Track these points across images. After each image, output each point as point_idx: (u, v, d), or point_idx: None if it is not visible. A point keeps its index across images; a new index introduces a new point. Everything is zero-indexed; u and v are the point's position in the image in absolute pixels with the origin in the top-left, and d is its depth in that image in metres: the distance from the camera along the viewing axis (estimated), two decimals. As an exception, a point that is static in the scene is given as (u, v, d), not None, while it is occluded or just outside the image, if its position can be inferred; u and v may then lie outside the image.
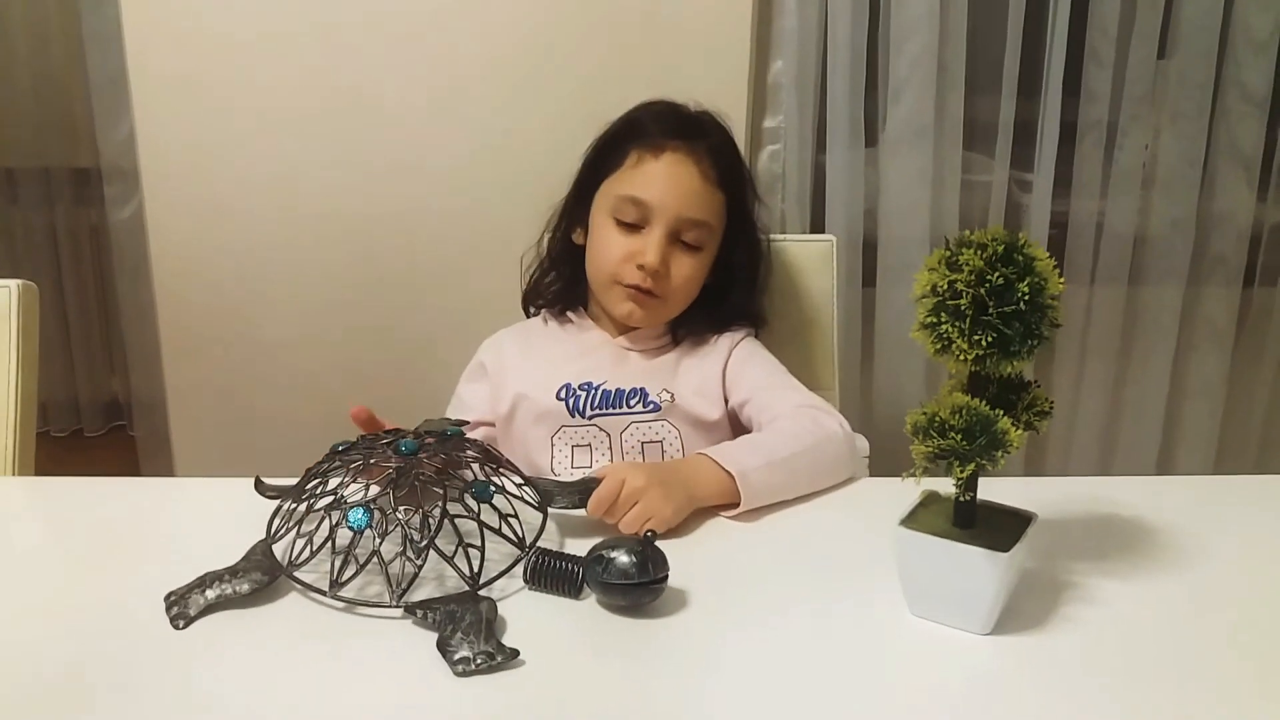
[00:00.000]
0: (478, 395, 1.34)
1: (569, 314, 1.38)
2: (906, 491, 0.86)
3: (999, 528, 0.83)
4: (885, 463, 1.27)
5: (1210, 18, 1.80)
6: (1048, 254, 0.77)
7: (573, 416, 1.25)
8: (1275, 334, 1.97)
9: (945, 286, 0.77)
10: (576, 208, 1.37)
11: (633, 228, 1.27)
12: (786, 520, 1.04)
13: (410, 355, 1.88)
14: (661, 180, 1.27)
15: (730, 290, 1.35)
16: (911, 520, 0.85)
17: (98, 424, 3.10)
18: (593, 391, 1.26)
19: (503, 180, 1.83)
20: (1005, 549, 0.80)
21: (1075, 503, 1.05)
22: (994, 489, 0.86)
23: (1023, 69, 1.82)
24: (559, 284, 1.40)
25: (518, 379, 1.30)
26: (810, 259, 1.52)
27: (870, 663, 0.80)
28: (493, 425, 1.33)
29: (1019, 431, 0.78)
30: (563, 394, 1.26)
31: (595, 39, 1.77)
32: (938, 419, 0.77)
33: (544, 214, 1.43)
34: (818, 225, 1.90)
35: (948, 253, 0.79)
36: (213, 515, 1.05)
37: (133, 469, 2.70)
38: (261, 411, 1.89)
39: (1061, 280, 0.78)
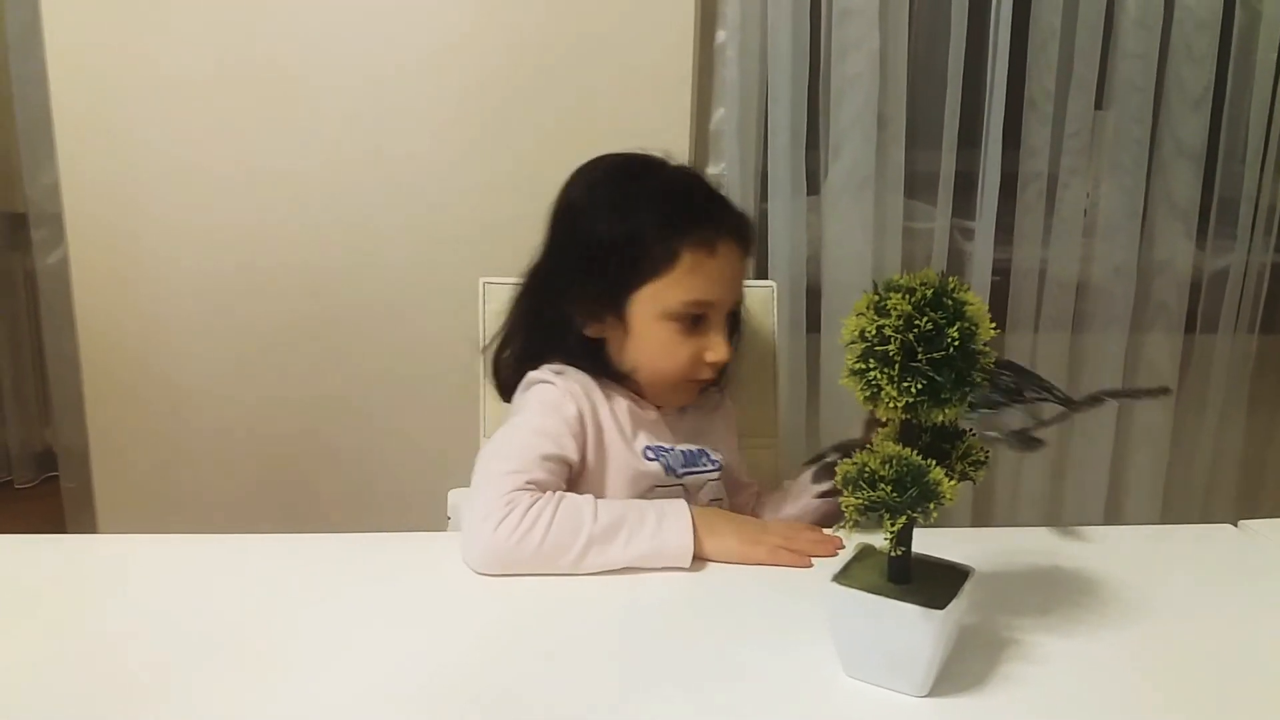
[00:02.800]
0: (566, 437, 1.17)
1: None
2: (849, 541, 0.83)
3: (936, 582, 0.80)
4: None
5: (1144, 76, 1.83)
6: (979, 299, 0.75)
7: (666, 475, 1.20)
8: (1217, 381, 1.97)
9: (873, 332, 0.75)
10: (594, 306, 1.20)
11: (692, 323, 1.19)
12: (712, 576, 1.00)
13: (339, 404, 1.83)
14: (722, 277, 1.19)
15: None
16: (844, 576, 0.81)
17: (29, 475, 2.99)
18: (672, 453, 1.21)
19: (439, 233, 1.80)
20: (941, 605, 0.76)
21: (1018, 554, 1.03)
22: (935, 541, 0.83)
23: (964, 121, 1.84)
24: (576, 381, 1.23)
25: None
26: (751, 304, 1.50)
27: (803, 727, 0.76)
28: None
29: (953, 482, 0.75)
30: (651, 454, 1.21)
31: (539, 87, 1.76)
32: (868, 469, 0.74)
33: (483, 268, 1.39)
34: (761, 272, 1.89)
35: (876, 297, 0.76)
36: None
37: (58, 522, 2.60)
38: (189, 462, 1.83)
39: (994, 326, 0.75)
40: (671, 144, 1.76)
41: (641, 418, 1.22)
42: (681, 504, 1.05)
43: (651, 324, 1.18)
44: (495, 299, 1.39)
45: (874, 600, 0.78)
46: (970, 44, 1.81)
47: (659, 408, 1.24)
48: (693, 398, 1.25)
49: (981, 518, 2.02)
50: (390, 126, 1.76)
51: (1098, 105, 1.87)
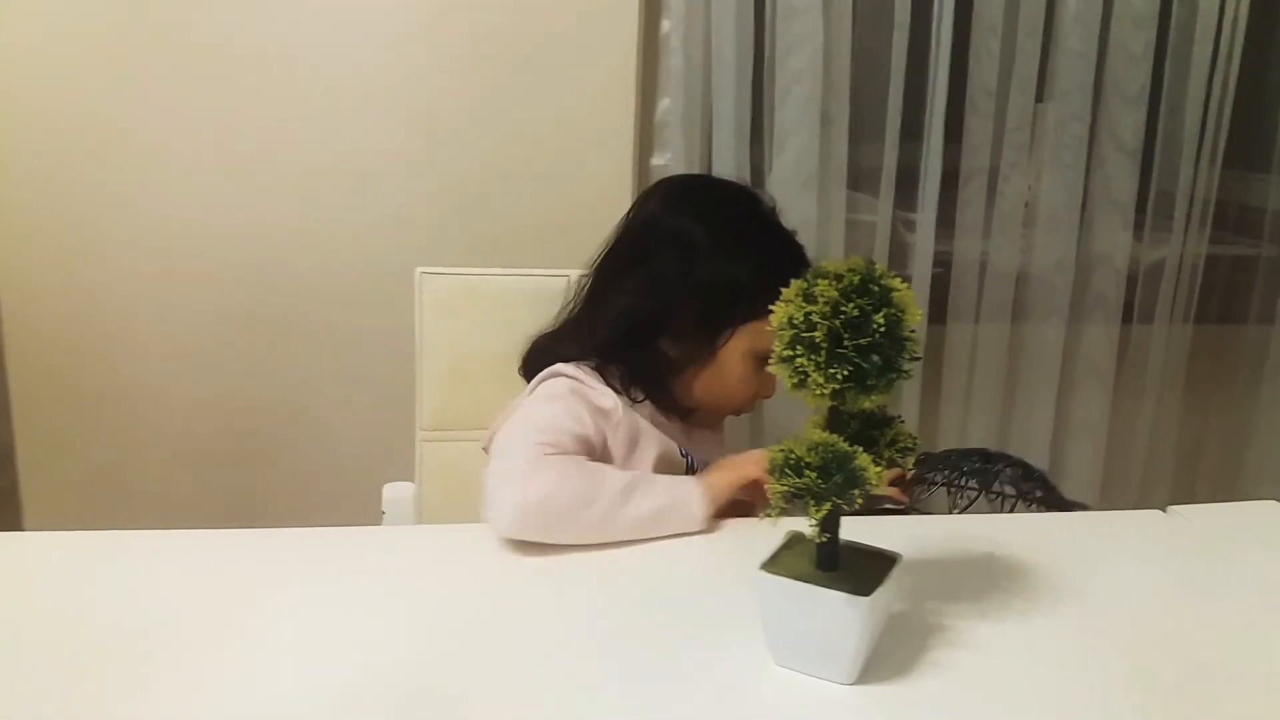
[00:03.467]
0: (589, 430, 1.17)
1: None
2: (773, 533, 0.83)
3: (864, 570, 0.80)
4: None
5: (1084, 74, 1.85)
6: (905, 284, 0.75)
7: (686, 472, 1.23)
8: (1154, 370, 2.00)
9: (801, 318, 0.74)
10: (695, 333, 1.23)
11: (764, 363, 1.18)
12: (643, 562, 0.99)
13: (274, 397, 1.80)
14: None
15: None
16: (773, 563, 0.81)
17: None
18: (690, 457, 1.25)
19: (378, 224, 1.78)
20: (867, 592, 0.76)
21: (950, 541, 1.03)
22: (868, 528, 0.83)
23: (906, 116, 1.84)
24: (640, 392, 1.25)
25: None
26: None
27: (731, 716, 0.76)
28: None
29: (879, 469, 0.75)
30: (683, 452, 1.25)
31: (481, 77, 1.74)
32: (794, 456, 0.74)
33: (421, 258, 1.38)
34: (707, 264, 1.88)
35: (805, 284, 0.76)
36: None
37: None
38: (120, 459, 1.79)
39: (920, 312, 0.75)
40: (616, 133, 1.78)
41: (665, 425, 1.26)
42: (684, 476, 1.13)
43: (738, 359, 1.23)
44: (432, 290, 1.37)
45: (801, 588, 0.77)
46: (913, 40, 1.81)
47: (678, 420, 1.28)
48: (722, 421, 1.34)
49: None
50: (331, 119, 1.73)
51: (1038, 100, 1.89)
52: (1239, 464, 2.13)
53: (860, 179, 1.90)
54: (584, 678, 0.80)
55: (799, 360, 0.74)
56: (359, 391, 1.82)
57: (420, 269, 1.36)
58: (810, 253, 1.79)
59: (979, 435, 2.00)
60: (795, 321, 0.74)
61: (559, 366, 1.22)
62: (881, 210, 1.89)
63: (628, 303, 1.24)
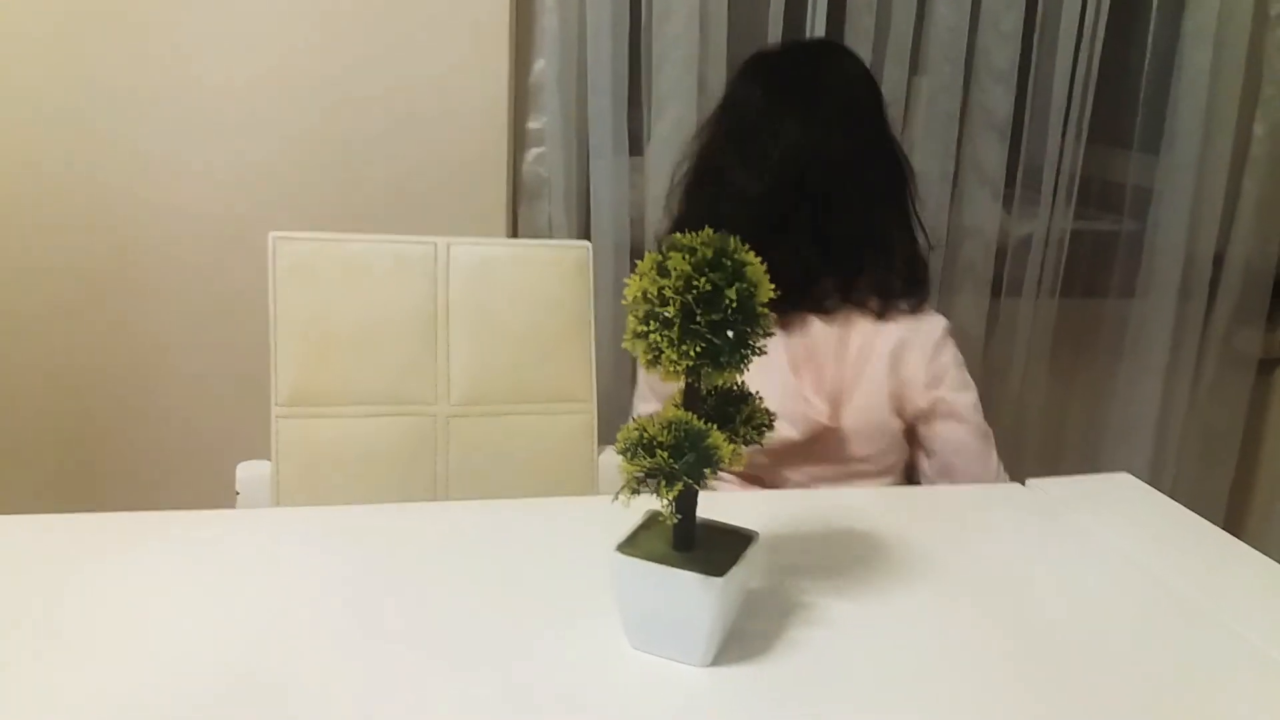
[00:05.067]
0: None
1: None
2: (637, 511, 0.80)
3: (720, 549, 0.78)
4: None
5: (955, 49, 1.87)
6: (757, 259, 0.72)
7: None
8: (1020, 343, 2.05)
9: (655, 293, 0.72)
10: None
11: None
12: (497, 544, 0.96)
13: (119, 372, 1.71)
14: None
15: None
16: (629, 545, 0.78)
17: None
18: None
19: (233, 185, 1.69)
20: (721, 573, 0.75)
21: (808, 517, 1.03)
22: (730, 506, 0.82)
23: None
24: None
25: None
26: (567, 266, 1.46)
27: (584, 702, 0.74)
28: None
29: (733, 447, 0.73)
30: None
31: (349, 35, 1.66)
32: (647, 435, 0.71)
33: (284, 224, 1.31)
34: (585, 231, 1.85)
35: (659, 257, 0.73)
36: None
37: None
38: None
39: (773, 288, 0.73)
40: (490, 95, 1.72)
41: None
42: None
43: None
44: (286, 255, 1.30)
45: (655, 569, 0.75)
46: (789, 10, 1.80)
47: None
48: None
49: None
50: (187, 69, 1.63)
51: (911, 73, 1.90)
52: (1100, 435, 2.20)
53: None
54: (436, 661, 0.77)
55: (652, 336, 0.72)
56: (213, 363, 1.73)
57: (274, 233, 1.29)
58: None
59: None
60: (649, 296, 0.72)
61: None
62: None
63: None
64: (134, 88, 1.62)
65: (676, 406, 0.76)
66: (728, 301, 0.70)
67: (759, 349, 0.72)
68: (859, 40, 1.85)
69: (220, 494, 1.28)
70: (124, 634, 0.79)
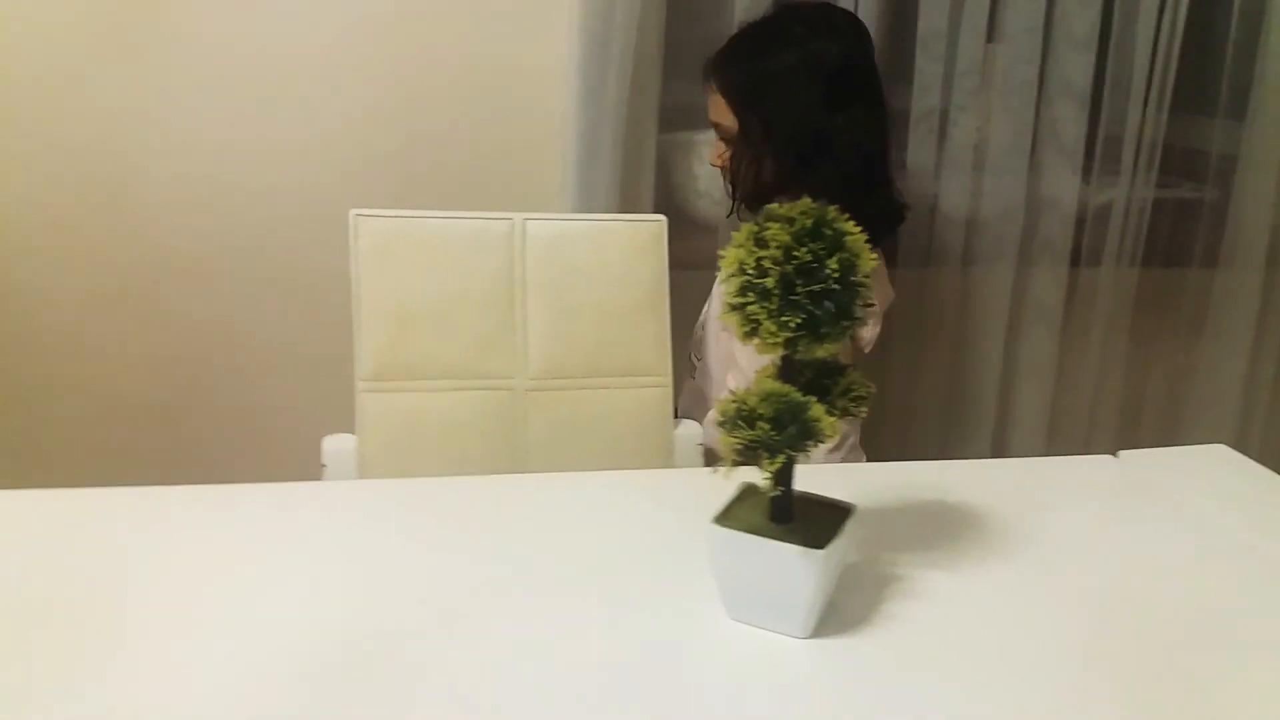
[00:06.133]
0: None
1: None
2: (726, 483, 0.80)
3: (817, 522, 0.78)
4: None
5: (1033, 16, 1.83)
6: (858, 229, 0.72)
7: None
8: (1099, 314, 2.01)
9: (753, 264, 0.71)
10: None
11: None
12: (594, 514, 0.97)
13: (206, 348, 1.74)
14: None
15: None
16: (726, 517, 0.78)
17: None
18: None
19: (312, 165, 1.71)
20: (822, 545, 0.74)
21: (902, 490, 1.02)
22: (819, 479, 0.81)
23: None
24: None
25: None
26: (640, 240, 1.46)
27: (685, 672, 0.74)
28: None
29: (833, 419, 0.73)
30: None
31: (419, 14, 1.67)
32: (746, 407, 0.71)
33: (360, 200, 1.33)
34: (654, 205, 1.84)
35: (756, 228, 0.73)
36: None
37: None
38: (46, 413, 1.71)
39: (874, 256, 0.72)
40: (557, 71, 1.72)
41: None
42: None
43: None
44: (368, 233, 1.32)
45: (754, 541, 0.75)
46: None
47: None
48: None
49: (872, 453, 2.03)
50: (262, 58, 1.65)
51: (988, 40, 1.86)
52: (1182, 407, 2.16)
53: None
54: (533, 632, 0.78)
55: (750, 308, 0.71)
56: (297, 339, 1.76)
57: (354, 211, 1.31)
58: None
59: (929, 380, 2.00)
60: (746, 267, 0.71)
61: None
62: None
63: None
64: (209, 74, 1.65)
65: (771, 379, 0.75)
66: (829, 272, 0.69)
67: (860, 320, 0.72)
68: (933, 12, 1.81)
69: (308, 468, 1.30)
70: (229, 603, 0.81)
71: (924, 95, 1.86)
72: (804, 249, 0.69)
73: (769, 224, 0.71)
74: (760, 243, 0.71)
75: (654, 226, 1.45)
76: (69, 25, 1.59)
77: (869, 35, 1.49)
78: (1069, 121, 1.90)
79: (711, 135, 1.54)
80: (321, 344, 1.73)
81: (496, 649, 0.76)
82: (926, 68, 1.84)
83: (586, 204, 1.76)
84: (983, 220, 1.94)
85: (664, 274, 1.45)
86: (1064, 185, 1.93)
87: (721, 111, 1.47)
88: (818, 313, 0.70)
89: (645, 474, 1.14)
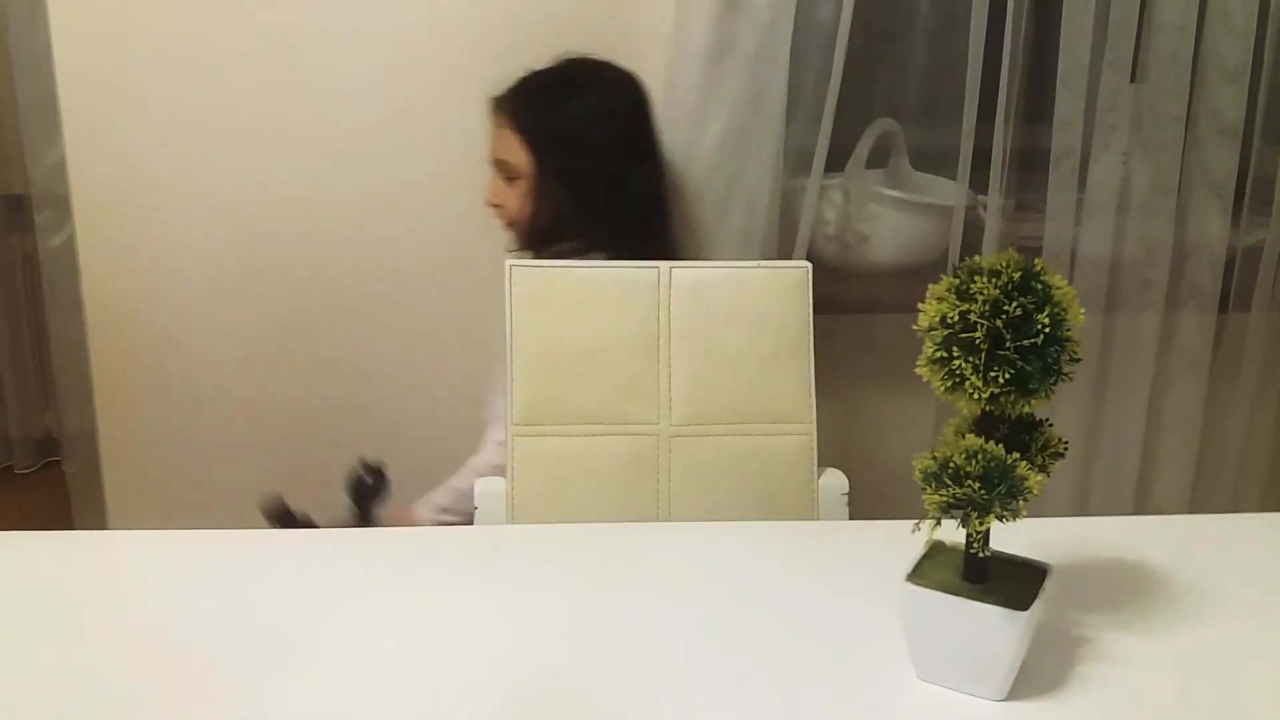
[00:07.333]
0: None
1: None
2: (895, 535, 0.79)
3: (1012, 580, 0.76)
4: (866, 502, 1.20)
5: (1181, 49, 1.77)
6: (1065, 281, 0.70)
7: None
8: (1249, 361, 1.93)
9: (956, 318, 0.70)
10: None
11: None
12: (768, 566, 0.96)
13: (356, 391, 1.78)
14: None
15: None
16: (918, 575, 0.77)
17: (29, 460, 2.95)
18: None
19: (456, 202, 1.74)
20: (1023, 606, 0.72)
21: (1078, 545, 0.98)
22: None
23: (984, 97, 1.77)
24: None
25: None
26: (783, 286, 1.45)
27: (876, 734, 0.73)
28: None
29: (1040, 477, 0.71)
30: None
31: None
32: (951, 465, 0.70)
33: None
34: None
35: (957, 280, 0.72)
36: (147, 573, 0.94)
37: (64, 508, 2.56)
38: (200, 446, 1.78)
39: (1082, 311, 0.71)
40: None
41: None
42: None
43: None
44: (520, 282, 1.34)
45: (953, 601, 0.73)
46: (992, 10, 1.74)
47: None
48: None
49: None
50: (408, 96, 1.70)
51: (1132, 79, 1.81)
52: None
53: (929, 160, 1.85)
54: (716, 687, 0.77)
55: (956, 362, 0.70)
56: (444, 387, 1.80)
57: (510, 261, 1.33)
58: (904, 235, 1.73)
59: (1069, 429, 1.94)
60: (950, 321, 0.70)
61: None
62: (957, 193, 1.82)
63: None
64: (378, 135, 1.70)
65: (969, 434, 0.74)
66: (1040, 326, 0.68)
67: (1067, 375, 0.70)
68: (1075, 45, 1.77)
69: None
70: (399, 644, 0.82)
71: (1064, 132, 1.81)
72: (1014, 303, 0.68)
73: (974, 277, 0.70)
74: (964, 295, 0.70)
75: (798, 273, 1.45)
76: (220, 65, 1.66)
77: (646, 92, 1.55)
78: (1218, 159, 1.83)
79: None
80: (469, 386, 1.76)
81: (667, 700, 0.75)
82: (1067, 103, 1.80)
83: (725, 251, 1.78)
84: (1126, 263, 1.89)
85: (808, 320, 1.44)
86: (1212, 226, 1.87)
87: (511, 149, 1.49)
88: (1028, 368, 0.68)
89: (799, 525, 1.12)
